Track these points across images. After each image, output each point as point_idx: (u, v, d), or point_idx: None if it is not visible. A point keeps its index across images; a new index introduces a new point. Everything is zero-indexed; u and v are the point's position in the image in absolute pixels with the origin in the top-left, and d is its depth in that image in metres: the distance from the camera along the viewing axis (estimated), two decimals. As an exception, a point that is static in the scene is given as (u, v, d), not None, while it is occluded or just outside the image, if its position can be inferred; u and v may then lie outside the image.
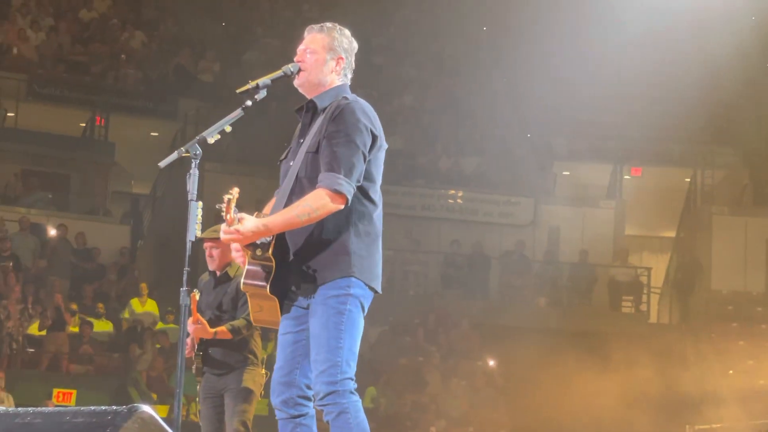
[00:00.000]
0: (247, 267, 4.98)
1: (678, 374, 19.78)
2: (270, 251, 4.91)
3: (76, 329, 18.28)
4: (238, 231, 4.82)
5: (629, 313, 22.30)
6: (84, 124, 23.27)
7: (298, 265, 4.97)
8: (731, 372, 20.05)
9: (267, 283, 4.93)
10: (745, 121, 23.71)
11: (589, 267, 22.31)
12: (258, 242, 4.89)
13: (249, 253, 4.95)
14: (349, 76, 5.22)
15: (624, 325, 21.50)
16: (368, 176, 5.01)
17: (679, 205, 24.32)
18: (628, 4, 21.57)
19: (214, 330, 7.47)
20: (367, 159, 4.98)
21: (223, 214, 4.82)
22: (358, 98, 5.12)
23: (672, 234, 24.86)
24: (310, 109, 5.13)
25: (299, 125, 5.20)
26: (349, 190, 4.85)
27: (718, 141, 23.77)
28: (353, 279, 4.94)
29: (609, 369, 18.43)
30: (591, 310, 21.90)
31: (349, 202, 4.88)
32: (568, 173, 24.74)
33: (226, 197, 4.82)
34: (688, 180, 24.20)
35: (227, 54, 25.17)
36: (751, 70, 22.67)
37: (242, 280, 4.99)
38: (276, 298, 4.96)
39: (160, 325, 18.90)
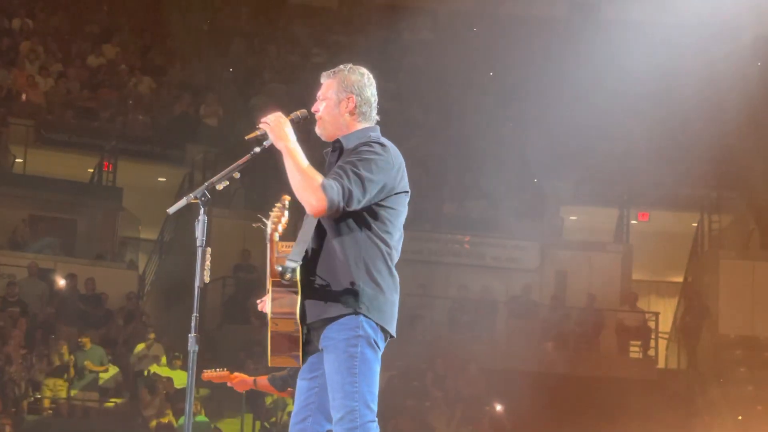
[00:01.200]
0: (272, 295, 4.97)
1: (687, 420, 19.68)
2: (297, 277, 4.92)
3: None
4: (267, 122, 5.01)
5: (637, 358, 22.22)
6: (92, 170, 23.34)
7: (308, 297, 4.98)
8: (740, 418, 19.95)
9: (295, 309, 4.94)
10: (750, 165, 23.72)
11: (597, 311, 22.26)
12: (287, 267, 4.89)
13: (273, 280, 4.95)
14: (372, 114, 5.23)
15: (632, 371, 21.42)
16: (378, 218, 5.03)
17: (686, 250, 24.30)
18: (634, 49, 21.66)
19: (253, 378, 7.58)
20: (376, 200, 5.00)
21: (270, 222, 4.92)
22: (386, 141, 5.15)
23: (679, 278, 24.82)
24: (337, 149, 5.17)
25: (326, 164, 5.22)
26: (332, 200, 4.84)
27: (724, 185, 23.78)
28: (362, 318, 4.94)
29: (617, 414, 18.33)
30: (598, 355, 21.82)
31: (325, 212, 4.87)
32: (575, 218, 24.76)
33: (277, 204, 4.97)
34: (695, 224, 24.19)
35: (234, 99, 25.28)
36: (756, 115, 22.72)
37: (270, 311, 4.97)
38: (301, 328, 4.96)
39: (165, 371, 18.87)
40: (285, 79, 25.22)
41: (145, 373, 18.77)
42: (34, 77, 23.96)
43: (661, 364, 22.73)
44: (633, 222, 24.38)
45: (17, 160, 22.86)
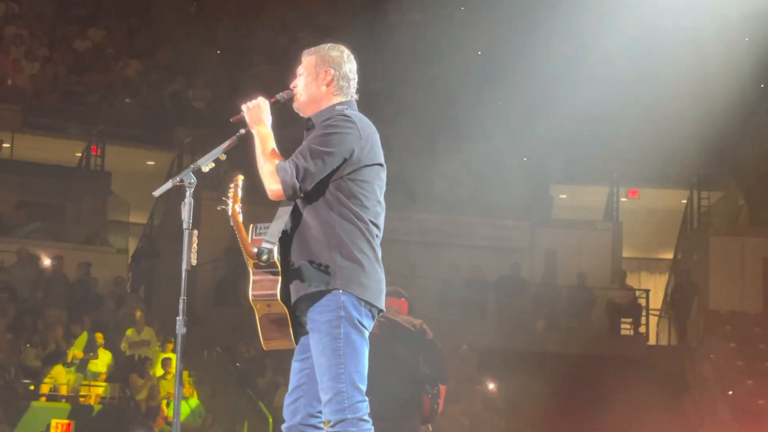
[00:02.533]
0: (252, 279, 4.98)
1: (677, 396, 19.76)
2: (275, 257, 4.92)
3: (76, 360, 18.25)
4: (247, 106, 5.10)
5: (628, 336, 22.28)
6: (80, 154, 23.28)
7: (287, 277, 4.98)
8: (730, 393, 20.02)
9: (276, 291, 4.93)
10: (739, 142, 23.76)
11: (587, 290, 22.29)
12: (262, 248, 4.89)
13: (253, 262, 4.95)
14: (350, 90, 5.22)
15: (623, 348, 21.48)
16: (350, 194, 5.00)
17: (675, 227, 24.35)
18: (622, 27, 21.62)
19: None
20: (342, 173, 4.98)
21: (230, 200, 4.93)
22: (355, 113, 5.12)
23: (669, 255, 24.88)
24: (310, 128, 5.16)
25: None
26: (285, 182, 4.89)
27: (713, 162, 23.81)
28: (343, 297, 4.92)
29: (608, 392, 18.38)
30: (589, 333, 21.87)
31: (283, 195, 4.92)
32: (564, 196, 24.77)
33: (231, 185, 4.95)
34: (684, 201, 24.23)
35: (222, 81, 25.21)
36: (744, 92, 22.72)
37: (250, 293, 4.98)
38: (285, 309, 4.96)
39: (158, 354, 18.88)
40: (273, 61, 25.15)
41: (136, 357, 18.77)
42: (20, 62, 23.85)
43: (651, 341, 22.80)
44: (622, 199, 24.41)
45: (4, 145, 22.78)
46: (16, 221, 21.85)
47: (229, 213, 4.96)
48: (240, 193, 4.97)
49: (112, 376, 18.63)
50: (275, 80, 22.12)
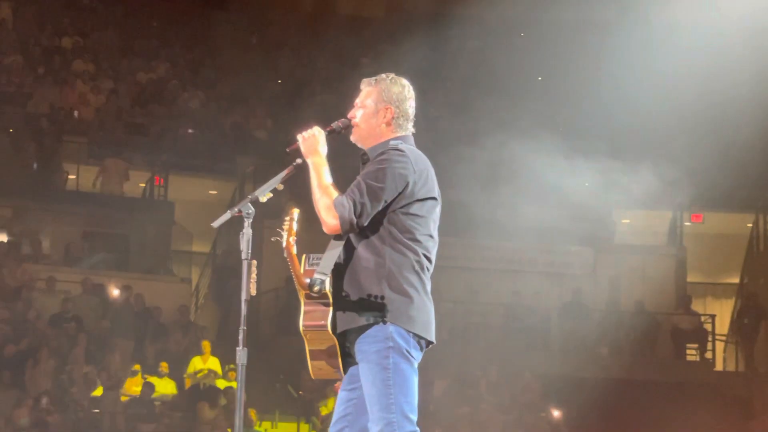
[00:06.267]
0: (304, 309, 5.01)
1: (745, 422, 19.49)
2: (327, 288, 4.94)
3: (138, 390, 18.35)
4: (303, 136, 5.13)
5: (694, 362, 22.02)
6: (144, 185, 23.51)
7: (338, 308, 5.01)
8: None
9: (326, 321, 4.96)
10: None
11: (651, 315, 22.09)
12: (315, 279, 4.92)
13: (304, 292, 4.98)
14: (408, 125, 5.23)
15: (689, 374, 21.24)
16: (403, 227, 5.01)
17: (741, 251, 24.08)
18: (685, 51, 21.50)
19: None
20: (395, 207, 5.00)
21: (284, 232, 4.99)
22: (409, 147, 5.14)
23: (735, 280, 24.59)
24: (365, 161, 5.18)
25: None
26: (344, 218, 4.90)
27: (778, 185, 23.54)
28: (391, 328, 4.93)
29: (674, 419, 18.19)
30: (655, 359, 21.65)
31: (340, 230, 4.94)
32: (627, 221, 24.59)
33: (286, 218, 5.02)
34: (750, 225, 23.96)
35: (283, 111, 25.38)
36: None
37: (301, 323, 5.01)
38: (335, 339, 4.98)
39: (222, 383, 18.95)
40: (334, 90, 25.28)
41: (201, 386, 18.85)
42: (85, 95, 24.19)
43: (718, 367, 22.51)
44: (686, 224, 24.18)
45: (70, 177, 23.07)
46: (82, 252, 22.08)
47: (283, 245, 4.99)
48: (295, 226, 5.00)
49: (176, 405, 18.72)
50: (336, 109, 22.21)
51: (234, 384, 18.15)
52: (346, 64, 27.04)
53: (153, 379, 18.65)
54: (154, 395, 18.42)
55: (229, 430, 17.64)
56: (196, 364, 19.35)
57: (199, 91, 25.61)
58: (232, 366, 18.74)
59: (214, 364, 19.41)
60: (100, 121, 24.12)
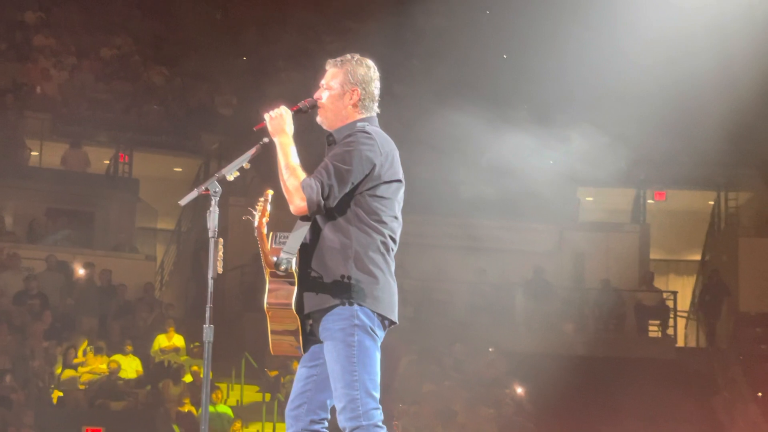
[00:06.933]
0: (268, 287, 5.04)
1: (707, 398, 19.67)
2: (293, 267, 4.97)
3: (105, 367, 18.32)
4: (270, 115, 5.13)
5: (656, 338, 22.20)
6: (108, 162, 23.40)
7: (303, 288, 5.04)
8: (760, 394, 19.92)
9: (291, 300, 4.99)
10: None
11: (615, 292, 22.24)
12: (281, 258, 4.95)
13: (270, 270, 5.02)
14: (373, 106, 5.26)
15: (651, 350, 21.41)
16: (369, 209, 5.06)
17: (703, 228, 24.26)
18: (645, 28, 21.57)
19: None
20: (362, 189, 5.04)
21: (257, 213, 4.99)
22: (375, 130, 5.17)
23: (697, 257, 24.78)
24: (331, 143, 5.21)
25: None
26: (311, 200, 4.94)
27: (740, 163, 23.70)
28: (356, 308, 4.98)
29: (637, 394, 18.34)
30: (618, 336, 21.81)
31: (307, 212, 4.97)
32: (591, 199, 24.71)
33: (261, 199, 5.02)
34: (712, 203, 24.13)
35: (248, 88, 25.29)
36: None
37: (265, 301, 5.05)
38: (298, 318, 5.02)
39: (184, 358, 18.96)
40: (299, 67, 25.20)
41: (166, 363, 18.83)
42: (48, 70, 24.00)
43: (680, 343, 22.72)
44: (650, 201, 24.33)
45: (33, 153, 22.91)
46: (45, 229, 21.96)
47: (255, 225, 5.01)
48: (269, 207, 5.02)
49: (141, 382, 18.70)
50: (301, 86, 22.16)
51: (200, 361, 18.16)
52: (310, 40, 26.97)
53: (118, 357, 18.62)
54: (120, 374, 18.38)
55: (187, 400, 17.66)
56: (161, 341, 19.33)
57: (163, 67, 25.46)
58: (197, 344, 18.74)
59: (178, 341, 19.39)
60: (63, 96, 23.95)
